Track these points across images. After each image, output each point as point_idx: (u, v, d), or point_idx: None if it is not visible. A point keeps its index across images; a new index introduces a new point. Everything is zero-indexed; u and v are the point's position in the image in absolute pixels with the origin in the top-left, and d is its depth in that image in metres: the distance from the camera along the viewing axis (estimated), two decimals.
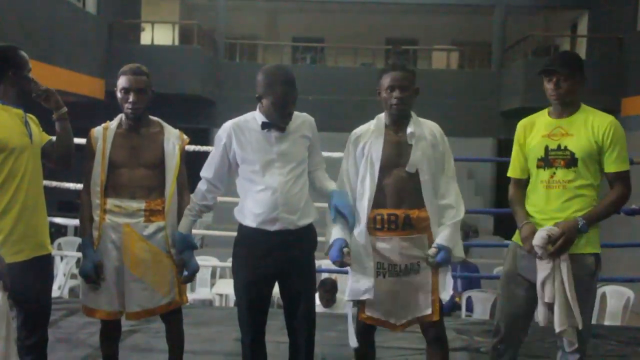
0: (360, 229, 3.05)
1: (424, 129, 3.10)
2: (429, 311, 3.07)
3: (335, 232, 3.06)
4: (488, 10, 16.42)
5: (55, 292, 7.24)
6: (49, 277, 3.23)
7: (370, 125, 3.19)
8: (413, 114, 3.14)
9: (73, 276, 8.41)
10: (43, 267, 3.08)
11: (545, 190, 3.07)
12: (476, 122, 14.50)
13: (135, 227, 3.15)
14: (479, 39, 17.62)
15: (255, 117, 3.10)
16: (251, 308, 3.12)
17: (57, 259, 7.63)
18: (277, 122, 3.04)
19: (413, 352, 4.23)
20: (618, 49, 13.82)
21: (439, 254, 3.01)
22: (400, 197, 3.05)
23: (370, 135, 3.12)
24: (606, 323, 6.23)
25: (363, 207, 3.05)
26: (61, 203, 12.58)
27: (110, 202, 3.16)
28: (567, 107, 3.07)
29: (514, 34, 16.00)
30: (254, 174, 3.05)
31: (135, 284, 3.16)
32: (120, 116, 3.28)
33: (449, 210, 3.07)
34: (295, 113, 3.13)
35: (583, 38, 16.20)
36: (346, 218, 3.06)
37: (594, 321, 6.30)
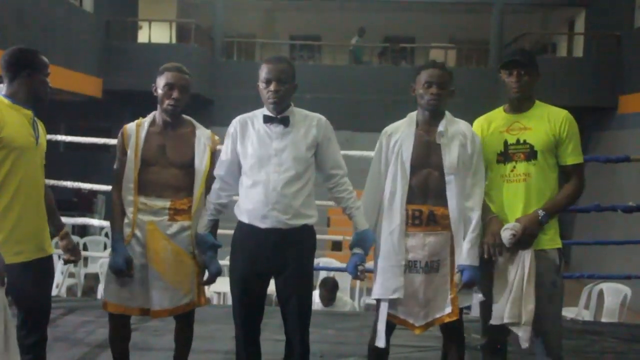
0: (393, 227, 3.07)
1: (455, 129, 3.11)
2: (448, 310, 3.07)
3: (356, 248, 3.13)
4: (485, 8, 16.44)
5: (53, 291, 7.24)
6: (49, 279, 3.21)
7: (402, 123, 3.20)
8: (447, 113, 3.15)
9: (71, 275, 8.44)
10: (43, 269, 3.08)
11: (506, 184, 3.11)
12: (474, 119, 14.43)
13: (159, 225, 3.15)
14: (477, 36, 17.63)
15: (262, 112, 3.12)
16: (243, 303, 3.14)
17: (55, 258, 7.63)
18: (266, 102, 3.06)
19: (412, 350, 4.24)
20: (615, 47, 13.81)
21: (464, 275, 3.04)
22: (426, 194, 3.07)
23: (402, 133, 3.13)
24: (603, 320, 6.25)
25: (396, 205, 3.07)
26: (59, 202, 12.59)
27: (139, 200, 3.17)
28: (524, 102, 3.14)
29: (511, 32, 16.02)
30: (250, 168, 3.06)
31: (157, 282, 3.16)
32: (154, 114, 3.28)
33: (470, 215, 3.07)
34: (306, 112, 3.15)
35: (580, 36, 16.21)
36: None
37: (590, 318, 6.34)
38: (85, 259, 8.73)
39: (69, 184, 5.20)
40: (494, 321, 3.06)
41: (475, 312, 6.18)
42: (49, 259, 3.14)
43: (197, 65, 14.74)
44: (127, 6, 16.07)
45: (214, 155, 3.28)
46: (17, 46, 3.06)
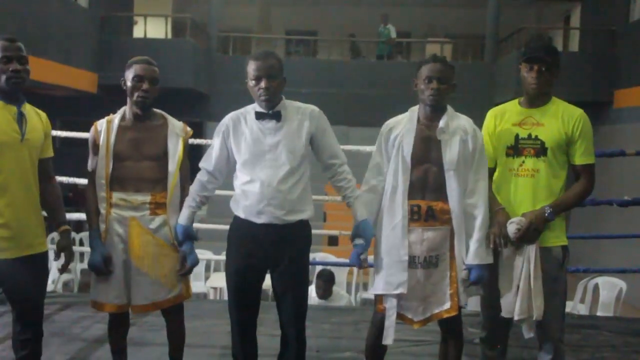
0: (395, 222, 3.06)
1: (456, 124, 3.09)
2: (447, 305, 3.07)
3: (357, 239, 3.11)
4: (481, 2, 16.41)
5: (49, 287, 7.22)
6: (42, 275, 3.17)
7: (404, 117, 3.17)
8: (449, 107, 3.13)
9: (67, 270, 8.41)
10: (34, 265, 3.04)
11: (514, 179, 3.11)
12: (470, 114, 14.24)
13: (141, 220, 3.15)
14: (472, 31, 17.61)
15: (254, 107, 3.11)
16: (239, 297, 3.14)
17: (51, 253, 7.61)
18: (258, 99, 3.05)
19: (410, 344, 4.24)
20: (611, 41, 13.80)
21: (472, 274, 3.03)
22: (424, 189, 3.05)
23: (402, 128, 3.11)
24: (599, 314, 6.26)
25: (398, 200, 3.05)
26: None
27: (116, 196, 3.15)
28: (541, 97, 3.11)
29: (507, 27, 15.99)
30: (245, 165, 3.06)
31: (141, 277, 3.15)
32: (124, 109, 3.26)
33: (474, 212, 3.04)
34: (299, 104, 3.14)
35: (576, 30, 16.22)
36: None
37: (586, 312, 6.35)
38: (81, 254, 8.71)
39: (64, 179, 5.19)
40: (504, 314, 3.07)
41: (472, 306, 6.20)
42: (42, 255, 3.11)
43: (192, 60, 14.73)
44: (122, 1, 15.99)
45: (187, 146, 3.27)
46: None
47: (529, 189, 3.07)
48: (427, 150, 3.06)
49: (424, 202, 3.04)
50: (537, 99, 3.11)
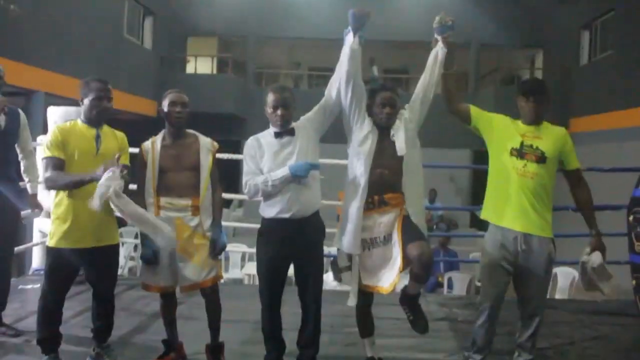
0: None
1: (398, 122, 3.10)
2: (399, 262, 2.99)
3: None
4: (465, 45, 16.37)
5: (118, 272, 7.25)
6: (113, 262, 3.26)
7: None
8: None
9: (132, 258, 8.45)
10: (107, 254, 3.13)
11: (518, 178, 3.04)
12: (456, 136, 14.13)
13: (185, 219, 3.18)
14: (458, 69, 17.47)
15: (270, 131, 3.14)
16: (269, 281, 3.15)
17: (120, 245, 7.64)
18: (274, 124, 3.07)
19: (405, 321, 4.19)
20: (567, 79, 13.85)
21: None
22: (381, 185, 3.06)
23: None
24: (557, 297, 6.20)
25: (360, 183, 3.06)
26: None
27: (164, 200, 3.18)
28: (536, 121, 3.10)
29: (485, 66, 15.94)
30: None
31: (185, 264, 3.18)
32: (163, 132, 3.30)
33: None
34: (294, 124, 3.12)
35: (539, 70, 16.19)
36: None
37: (548, 296, 6.29)
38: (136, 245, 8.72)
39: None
40: None
41: (456, 291, 6.11)
42: (114, 247, 3.19)
43: (233, 91, 14.81)
44: (177, 44, 16.15)
45: (215, 157, 3.31)
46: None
47: (531, 189, 3.02)
48: (384, 152, 3.06)
49: (377, 197, 3.04)
50: (533, 122, 3.10)
